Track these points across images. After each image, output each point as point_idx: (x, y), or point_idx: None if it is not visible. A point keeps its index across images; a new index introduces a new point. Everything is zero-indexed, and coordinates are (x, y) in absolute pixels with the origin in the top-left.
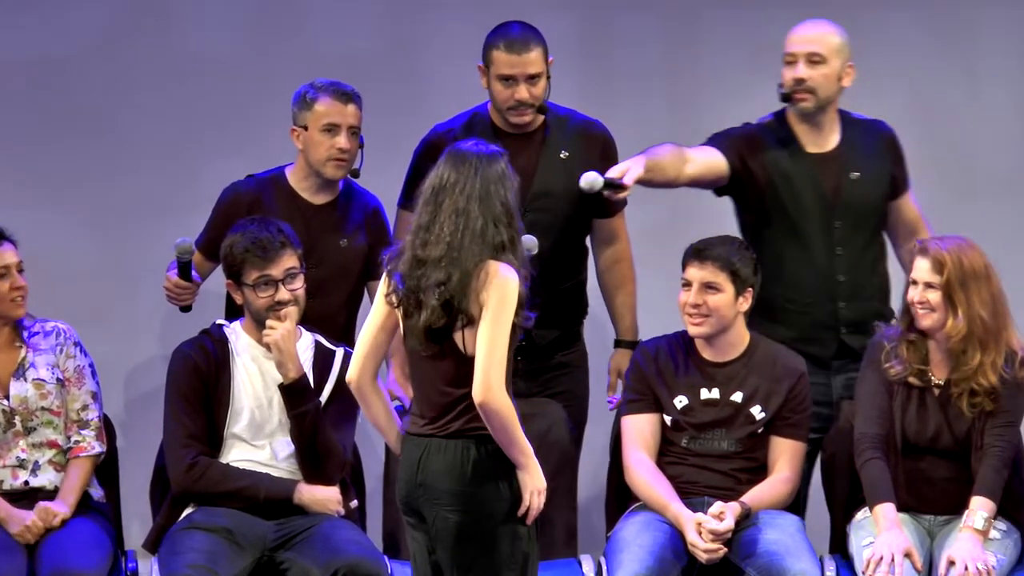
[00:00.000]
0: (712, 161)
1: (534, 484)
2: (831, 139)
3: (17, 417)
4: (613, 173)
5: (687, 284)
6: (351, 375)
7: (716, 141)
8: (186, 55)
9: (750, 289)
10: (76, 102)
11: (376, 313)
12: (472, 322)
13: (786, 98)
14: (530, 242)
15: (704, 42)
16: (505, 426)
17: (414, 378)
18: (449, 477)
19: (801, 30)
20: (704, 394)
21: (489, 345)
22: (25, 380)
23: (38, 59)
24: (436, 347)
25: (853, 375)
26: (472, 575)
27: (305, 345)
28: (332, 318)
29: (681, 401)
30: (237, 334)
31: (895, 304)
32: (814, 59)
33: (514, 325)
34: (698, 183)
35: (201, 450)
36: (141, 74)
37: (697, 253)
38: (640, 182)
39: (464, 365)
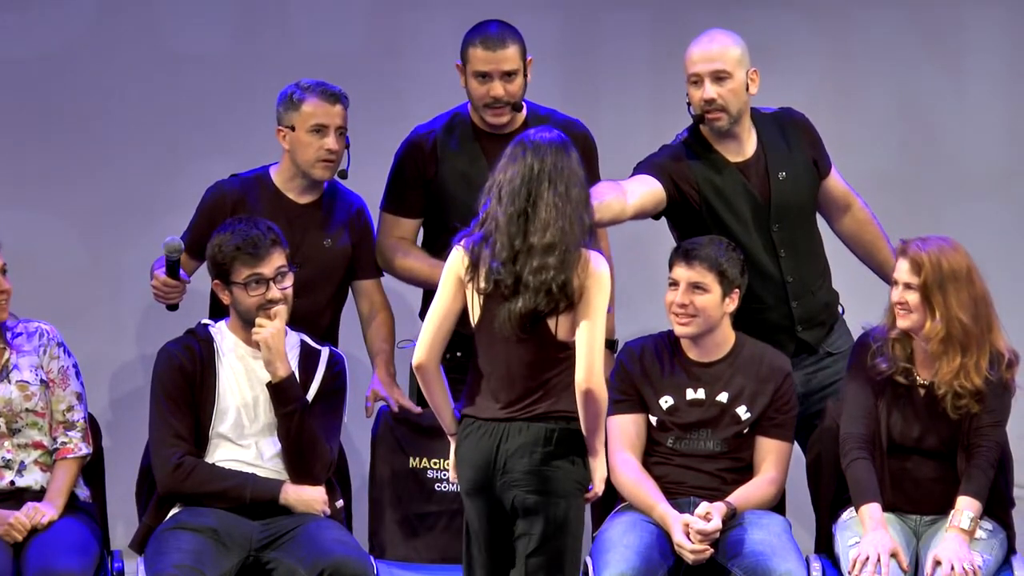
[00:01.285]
0: (651, 191)
1: (602, 471)
2: (749, 145)
3: (1, 419)
4: None
5: (674, 284)
6: (418, 358)
7: (644, 169)
8: (169, 54)
9: (737, 290)
10: (59, 101)
11: (443, 299)
12: (570, 308)
13: (699, 119)
14: None
15: (690, 42)
16: (599, 413)
17: (487, 362)
18: (531, 458)
19: (700, 48)
20: (690, 394)
21: (591, 334)
22: (9, 382)
23: (20, 58)
24: (528, 332)
25: (810, 370)
26: (547, 550)
27: (291, 344)
28: (316, 318)
29: (667, 401)
30: (223, 334)
31: (836, 284)
32: (719, 76)
33: None
34: (642, 214)
35: (187, 450)
36: (125, 73)
37: (685, 253)
38: None
39: (553, 350)
